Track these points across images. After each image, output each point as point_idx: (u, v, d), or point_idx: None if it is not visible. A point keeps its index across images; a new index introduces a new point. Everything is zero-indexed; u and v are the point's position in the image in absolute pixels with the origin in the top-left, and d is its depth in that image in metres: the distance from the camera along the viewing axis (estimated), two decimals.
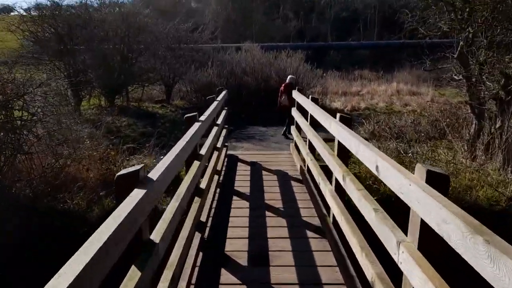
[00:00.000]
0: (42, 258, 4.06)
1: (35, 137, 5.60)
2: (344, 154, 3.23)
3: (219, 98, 5.55)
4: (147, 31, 15.86)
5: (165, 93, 18.02)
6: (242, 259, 3.08)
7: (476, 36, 6.82)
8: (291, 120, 6.03)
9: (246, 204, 4.29)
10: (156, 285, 2.08)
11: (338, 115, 3.28)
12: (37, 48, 13.49)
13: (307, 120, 5.12)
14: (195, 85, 14.77)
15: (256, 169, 5.67)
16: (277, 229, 3.64)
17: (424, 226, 1.65)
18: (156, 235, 1.97)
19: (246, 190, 4.75)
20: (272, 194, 4.58)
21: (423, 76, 24.26)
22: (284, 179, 5.16)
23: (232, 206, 4.21)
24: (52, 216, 4.95)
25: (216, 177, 4.78)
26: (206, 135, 4.41)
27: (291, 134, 6.67)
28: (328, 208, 3.53)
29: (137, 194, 1.68)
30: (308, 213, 4.00)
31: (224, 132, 6.28)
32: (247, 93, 14.41)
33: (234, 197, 4.49)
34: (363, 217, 2.33)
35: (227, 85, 14.58)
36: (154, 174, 1.97)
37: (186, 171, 3.07)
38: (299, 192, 4.66)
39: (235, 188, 4.84)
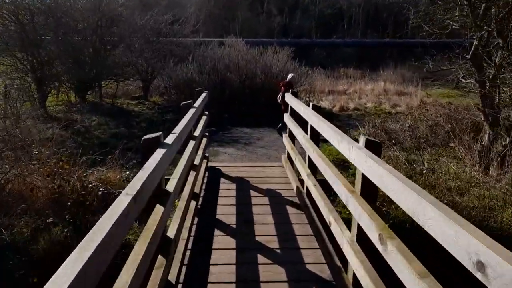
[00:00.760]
0: None
1: None
2: (371, 194, 2.30)
3: (197, 102, 4.53)
4: (122, 22, 14.61)
5: (142, 89, 16.81)
6: None
7: (492, 35, 6.04)
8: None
9: (232, 242, 3.32)
10: None
11: (362, 137, 2.34)
12: None
13: (306, 131, 4.18)
14: (173, 81, 13.64)
15: (243, 188, 4.70)
16: (275, 286, 2.69)
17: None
18: None
19: (231, 220, 3.78)
20: (265, 228, 3.62)
21: (407, 75, 23.87)
22: (278, 204, 4.20)
23: (213, 247, 3.23)
24: None
25: (193, 204, 3.78)
26: (182, 151, 3.44)
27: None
28: (344, 261, 2.60)
29: None
30: (314, 258, 3.06)
31: (204, 142, 5.27)
32: (230, 91, 13.39)
33: (216, 233, 3.51)
34: None
35: (208, 82, 13.53)
36: None
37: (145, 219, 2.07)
38: (299, 223, 3.71)
39: (217, 217, 3.85)
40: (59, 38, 12.57)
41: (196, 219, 3.74)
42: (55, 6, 12.60)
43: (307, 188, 4.03)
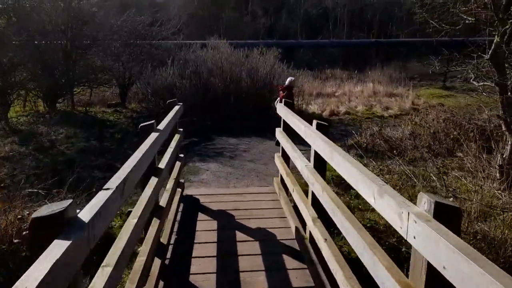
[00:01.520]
0: None
1: None
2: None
3: (164, 122, 3.46)
4: (95, 23, 13.44)
5: (119, 96, 15.63)
6: None
7: None
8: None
9: None
10: None
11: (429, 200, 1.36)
12: None
13: (308, 157, 3.21)
14: (152, 87, 12.53)
15: (227, 228, 3.69)
16: None
17: None
18: None
19: (210, 284, 2.77)
20: None
21: (394, 75, 23.28)
22: (272, 254, 3.18)
23: None
24: None
25: (156, 263, 2.75)
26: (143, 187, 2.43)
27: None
28: None
29: None
30: None
31: (178, 167, 4.24)
32: (214, 96, 12.36)
33: None
34: None
35: (190, 88, 12.48)
36: None
37: None
38: (303, 287, 2.72)
39: (191, 279, 2.83)
40: (23, 41, 11.36)
41: (160, 285, 2.72)
42: (18, 6, 11.39)
43: (310, 233, 3.05)
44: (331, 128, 12.53)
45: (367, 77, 23.52)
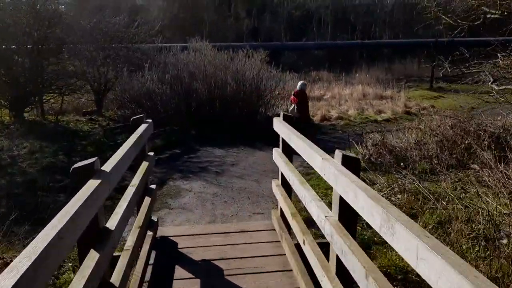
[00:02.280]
0: None
1: None
2: None
3: (115, 158, 2.43)
4: (65, 25, 12.30)
5: (95, 103, 14.46)
6: None
7: None
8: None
9: None
10: None
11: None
12: None
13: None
14: (129, 93, 11.46)
15: None
16: None
17: None
18: None
19: None
20: None
21: (381, 77, 22.71)
22: None
23: None
24: None
25: None
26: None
27: None
28: None
29: None
30: None
31: (147, 203, 3.24)
32: (197, 103, 11.39)
33: None
34: None
35: (171, 94, 11.47)
36: None
37: None
38: None
39: None
40: None
41: None
42: None
43: None
44: (325, 135, 11.69)
45: (353, 79, 23.11)
